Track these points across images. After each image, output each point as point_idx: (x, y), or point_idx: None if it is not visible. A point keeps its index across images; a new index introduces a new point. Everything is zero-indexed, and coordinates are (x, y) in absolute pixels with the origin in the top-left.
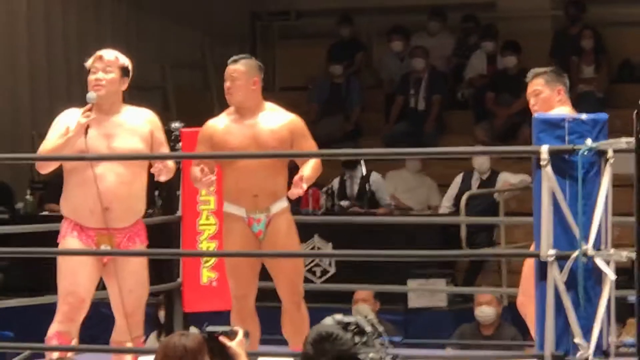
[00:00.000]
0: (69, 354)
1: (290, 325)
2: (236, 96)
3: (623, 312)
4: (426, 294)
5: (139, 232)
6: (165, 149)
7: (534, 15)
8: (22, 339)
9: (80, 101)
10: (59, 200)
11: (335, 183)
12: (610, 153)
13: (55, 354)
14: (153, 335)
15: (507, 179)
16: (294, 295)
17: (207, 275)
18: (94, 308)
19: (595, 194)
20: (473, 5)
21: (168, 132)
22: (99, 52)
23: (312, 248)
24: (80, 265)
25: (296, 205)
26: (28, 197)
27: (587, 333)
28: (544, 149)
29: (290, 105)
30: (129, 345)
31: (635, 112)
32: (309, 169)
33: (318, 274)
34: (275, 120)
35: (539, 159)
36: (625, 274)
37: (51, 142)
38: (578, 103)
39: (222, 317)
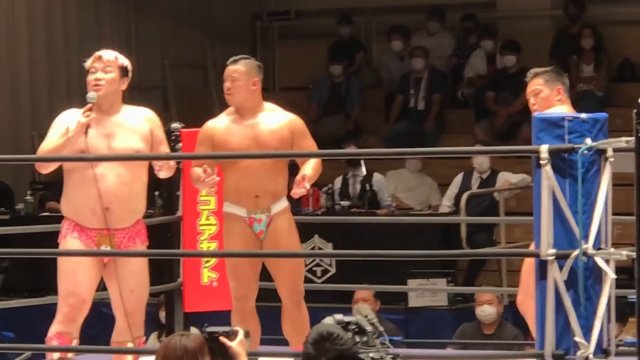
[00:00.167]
0: (70, 355)
1: (290, 325)
2: (236, 97)
3: (623, 311)
4: (427, 293)
5: (139, 232)
6: (165, 147)
7: (533, 15)
8: (22, 339)
9: (80, 101)
10: (60, 200)
11: (338, 182)
12: (610, 152)
13: (56, 355)
14: (154, 336)
15: (507, 178)
16: (295, 294)
17: (207, 275)
18: (94, 308)
19: (595, 193)
20: (473, 4)
21: (168, 132)
22: (99, 52)
23: (313, 248)
24: (80, 265)
25: (296, 205)
26: (28, 197)
27: (587, 332)
28: (544, 148)
29: (290, 105)
30: (130, 345)
31: (634, 110)
32: (310, 168)
33: (319, 273)
34: (275, 120)
35: (538, 158)
36: (625, 273)
37: (51, 142)
38: (578, 102)
39: (223, 317)
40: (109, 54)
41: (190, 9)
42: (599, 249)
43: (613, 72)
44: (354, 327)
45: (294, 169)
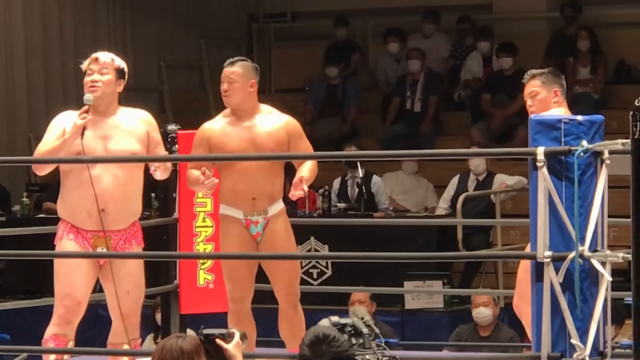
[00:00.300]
0: (66, 357)
1: (287, 327)
2: (234, 98)
3: (620, 313)
4: (423, 295)
5: (135, 234)
6: (161, 149)
7: (529, 17)
8: (18, 341)
9: (77, 103)
10: (56, 201)
11: (336, 183)
12: (606, 154)
13: (52, 357)
14: (150, 338)
15: (504, 180)
16: (291, 296)
17: (203, 277)
18: (90, 310)
19: (591, 195)
20: (469, 6)
21: (164, 134)
22: (95, 54)
23: (309, 250)
24: (76, 267)
25: (292, 207)
26: (24, 199)
27: (583, 334)
28: (540, 151)
29: (287, 107)
30: (126, 347)
31: (631, 113)
32: (307, 170)
33: (315, 275)
34: (272, 122)
35: (535, 161)
36: (621, 276)
37: (48, 143)
38: (574, 104)
39: (219, 319)
40: (105, 56)
41: (187, 11)
42: (595, 251)
43: (609, 74)
44: (350, 329)
45: (289, 170)
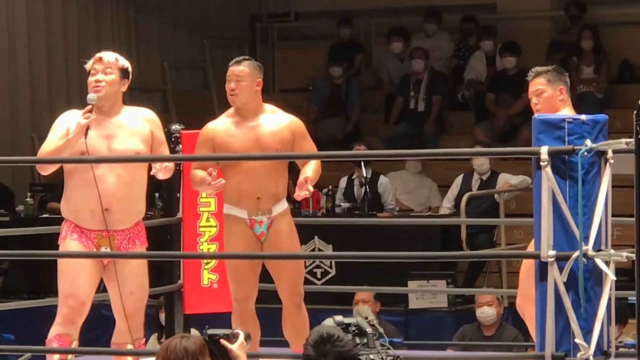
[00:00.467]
0: (70, 357)
1: (291, 327)
2: (241, 97)
3: (623, 312)
4: (427, 295)
5: (139, 234)
6: (165, 148)
7: (533, 16)
8: (22, 341)
9: (80, 103)
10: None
11: (343, 182)
12: (609, 154)
13: (56, 357)
14: (154, 337)
15: (507, 179)
16: (295, 296)
17: (207, 277)
18: (94, 310)
19: (595, 195)
20: (473, 6)
21: (168, 134)
22: (99, 54)
23: (313, 249)
24: (80, 267)
25: (296, 207)
26: (28, 199)
27: (587, 333)
28: (544, 150)
29: (290, 106)
30: (130, 347)
31: (634, 112)
32: (311, 170)
33: (318, 275)
34: (276, 121)
35: (538, 160)
36: (625, 275)
37: (51, 143)
38: (578, 104)
39: (223, 319)
40: (109, 56)
41: (190, 11)
42: (599, 250)
43: (613, 73)
44: (354, 328)
45: (292, 170)
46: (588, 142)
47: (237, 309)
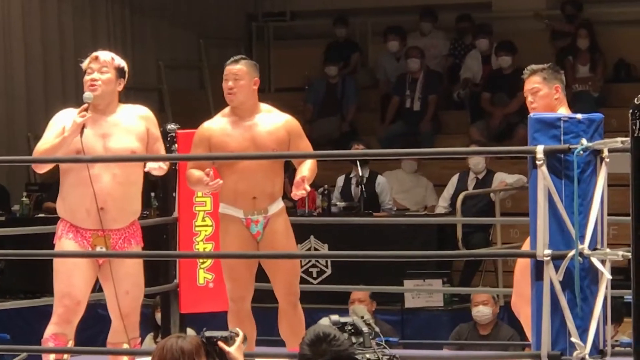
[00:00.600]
0: (66, 356)
1: (287, 326)
2: (239, 96)
3: (619, 311)
4: (423, 294)
5: (134, 234)
6: (160, 144)
7: (529, 15)
8: (18, 341)
9: (76, 102)
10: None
11: (340, 181)
12: (605, 152)
13: (52, 356)
14: (150, 337)
15: (503, 178)
16: (291, 295)
17: (203, 276)
18: (90, 309)
19: (591, 194)
20: (468, 5)
21: (164, 134)
22: (95, 53)
23: (309, 249)
24: (75, 267)
25: (292, 206)
26: (24, 199)
27: (583, 332)
28: (540, 149)
29: (286, 106)
30: (126, 346)
31: (630, 111)
32: (307, 169)
33: (314, 274)
34: (272, 121)
35: (534, 159)
36: (621, 274)
37: (47, 141)
38: (573, 103)
39: (219, 318)
40: (105, 55)
41: (186, 11)
42: (595, 249)
43: (609, 72)
44: (350, 328)
45: (287, 168)
46: (584, 141)
47: (233, 308)
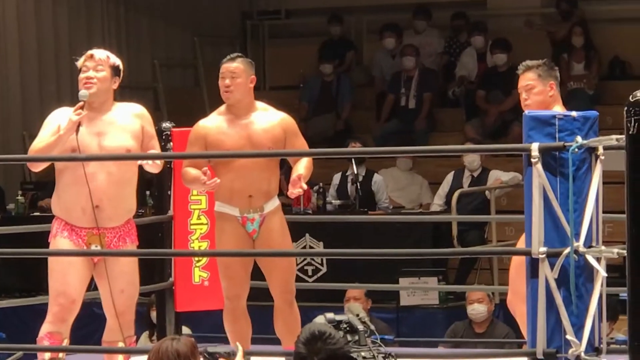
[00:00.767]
0: (61, 355)
1: (282, 324)
2: (236, 94)
3: (614, 308)
4: (418, 292)
5: (129, 232)
6: (155, 142)
7: (524, 13)
8: (14, 340)
9: (71, 101)
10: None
11: (336, 179)
12: (600, 150)
13: (47, 355)
14: (145, 335)
15: (498, 176)
16: (287, 293)
17: (198, 274)
18: (85, 308)
19: (586, 191)
20: (463, 3)
21: (159, 132)
22: (90, 51)
23: (304, 247)
24: (70, 265)
25: (287, 204)
26: (19, 197)
27: (578, 330)
28: (535, 147)
29: (281, 104)
30: (121, 345)
31: (625, 108)
32: (303, 167)
33: (310, 272)
34: (268, 119)
35: (529, 157)
36: (616, 271)
37: (43, 140)
38: (568, 100)
39: (214, 316)
40: (100, 53)
41: (180, 9)
42: (590, 247)
43: (604, 70)
44: (345, 326)
45: (282, 166)
46: (579, 139)
47: (228, 306)
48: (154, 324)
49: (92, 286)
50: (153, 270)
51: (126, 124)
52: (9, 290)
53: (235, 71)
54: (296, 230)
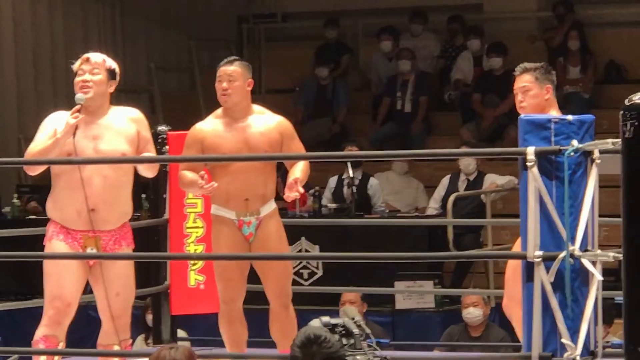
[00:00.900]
0: (56, 358)
1: (278, 328)
2: (234, 97)
3: (610, 312)
4: (413, 295)
5: (125, 235)
6: (151, 146)
7: (520, 17)
8: (9, 342)
9: (67, 104)
10: (42, 202)
11: (332, 182)
12: (596, 154)
13: (43, 358)
14: (140, 339)
15: (494, 180)
16: (283, 297)
17: (194, 278)
18: (81, 311)
19: (581, 195)
20: (459, 6)
21: (155, 135)
22: (86, 55)
23: (299, 250)
24: (66, 268)
25: (282, 208)
26: (15, 200)
27: (574, 334)
28: (530, 150)
29: (277, 107)
30: (116, 348)
31: (621, 112)
32: (299, 171)
33: (305, 276)
34: (265, 122)
35: (525, 160)
36: (612, 275)
37: (39, 143)
38: (564, 104)
39: (210, 320)
40: (96, 57)
41: (176, 12)
42: (586, 250)
43: (599, 74)
44: (341, 329)
45: (279, 169)
46: (574, 143)
47: (224, 309)
48: (149, 328)
49: (87, 289)
50: (149, 274)
51: (122, 128)
52: (4, 293)
53: (233, 74)
54: (292, 234)
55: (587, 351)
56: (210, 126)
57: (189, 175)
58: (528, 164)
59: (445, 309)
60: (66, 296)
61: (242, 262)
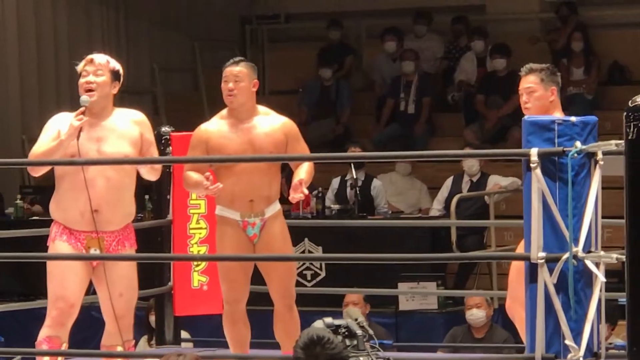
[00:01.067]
0: (59, 359)
1: (282, 329)
2: (239, 98)
3: (613, 314)
4: (417, 296)
5: (128, 236)
6: (154, 149)
7: (523, 18)
8: (12, 343)
9: (70, 105)
10: (46, 203)
11: (335, 183)
12: (599, 155)
13: (46, 359)
14: (144, 340)
15: (497, 181)
16: (287, 298)
17: (198, 279)
18: (84, 312)
19: (585, 196)
20: (463, 7)
21: (158, 136)
22: (90, 56)
23: (303, 251)
24: (69, 269)
25: (286, 209)
26: (18, 201)
27: (577, 335)
28: (534, 152)
29: (280, 108)
30: (120, 349)
31: (624, 113)
32: (304, 172)
33: (309, 277)
34: (270, 123)
35: (528, 162)
36: (615, 276)
37: (43, 145)
38: (568, 105)
39: (213, 320)
40: (100, 58)
41: (180, 14)
42: (589, 252)
43: (603, 75)
44: (344, 330)
45: (284, 170)
46: (578, 144)
47: (228, 310)
48: (152, 329)
49: (90, 290)
50: (152, 275)
51: (125, 130)
52: (7, 294)
53: (239, 75)
54: (295, 235)
55: (591, 352)
56: (215, 127)
57: (194, 176)
58: (531, 165)
59: (449, 310)
60: (69, 297)
61: (246, 263)
